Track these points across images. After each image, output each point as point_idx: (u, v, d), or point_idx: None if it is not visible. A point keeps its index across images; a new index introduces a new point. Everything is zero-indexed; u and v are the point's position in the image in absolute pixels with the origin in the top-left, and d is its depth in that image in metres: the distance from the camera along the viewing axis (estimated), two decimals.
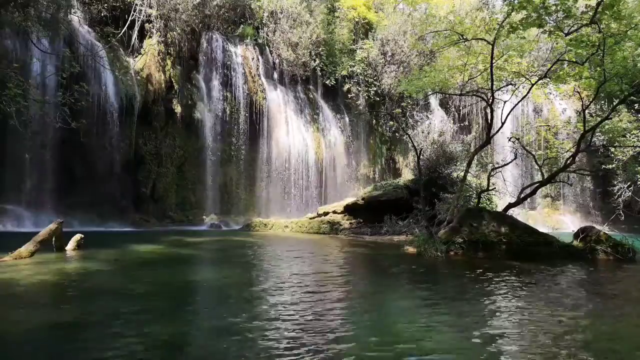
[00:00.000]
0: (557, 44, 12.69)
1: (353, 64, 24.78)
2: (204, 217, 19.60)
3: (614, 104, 11.90)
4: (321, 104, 24.61)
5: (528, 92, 13.08)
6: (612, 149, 17.84)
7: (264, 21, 23.02)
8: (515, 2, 10.01)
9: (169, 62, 19.78)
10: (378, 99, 25.30)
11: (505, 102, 13.06)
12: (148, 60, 19.08)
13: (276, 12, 23.06)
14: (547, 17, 10.15)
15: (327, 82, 24.36)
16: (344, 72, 24.56)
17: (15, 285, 5.70)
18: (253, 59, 22.30)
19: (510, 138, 14.14)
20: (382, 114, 25.46)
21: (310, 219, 17.66)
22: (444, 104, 27.54)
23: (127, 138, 17.88)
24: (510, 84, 13.42)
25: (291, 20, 23.05)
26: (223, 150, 20.78)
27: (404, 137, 22.43)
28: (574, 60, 11.30)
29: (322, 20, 24.40)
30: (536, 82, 12.38)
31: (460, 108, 27.28)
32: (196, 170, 20.19)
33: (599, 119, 13.34)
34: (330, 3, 25.51)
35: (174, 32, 19.78)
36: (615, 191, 20.71)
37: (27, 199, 15.41)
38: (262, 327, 4.08)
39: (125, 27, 18.52)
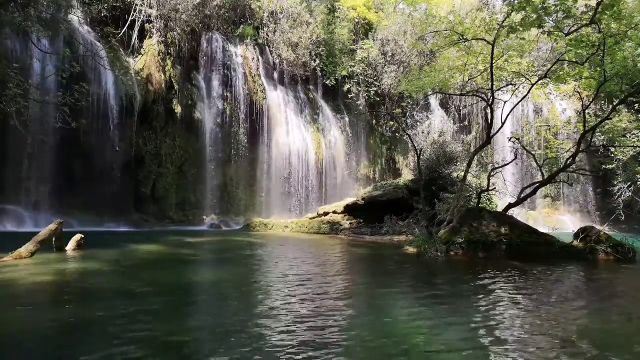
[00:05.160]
0: (557, 44, 12.69)
1: (353, 64, 24.77)
2: (204, 217, 19.59)
3: (614, 104, 11.89)
4: (321, 104, 24.60)
5: (528, 92, 13.08)
6: (612, 149, 17.83)
7: (264, 21, 23.01)
8: (515, 2, 10.02)
9: (169, 62, 19.77)
10: (378, 99, 25.28)
11: (505, 102, 13.06)
12: (148, 60, 19.07)
13: (276, 12, 23.05)
14: (546, 18, 10.16)
15: (327, 82, 24.34)
16: (344, 72, 24.54)
17: (15, 285, 5.70)
18: (253, 59, 22.29)
19: (510, 138, 14.14)
20: (382, 114, 25.44)
21: (310, 219, 17.67)
22: (444, 104, 27.54)
23: (127, 138, 17.84)
24: (510, 84, 13.42)
25: (291, 20, 23.05)
26: (223, 150, 20.75)
27: (404, 137, 22.40)
28: (574, 60, 11.31)
29: (322, 20, 24.40)
30: (536, 82, 12.38)
31: (460, 108, 27.29)
32: (196, 170, 20.16)
33: (599, 119, 13.33)
34: (330, 3, 25.50)
35: (174, 32, 19.78)
36: (615, 191, 20.68)
37: (27, 199, 15.39)
38: (261, 327, 4.09)
39: (125, 27, 18.50)
